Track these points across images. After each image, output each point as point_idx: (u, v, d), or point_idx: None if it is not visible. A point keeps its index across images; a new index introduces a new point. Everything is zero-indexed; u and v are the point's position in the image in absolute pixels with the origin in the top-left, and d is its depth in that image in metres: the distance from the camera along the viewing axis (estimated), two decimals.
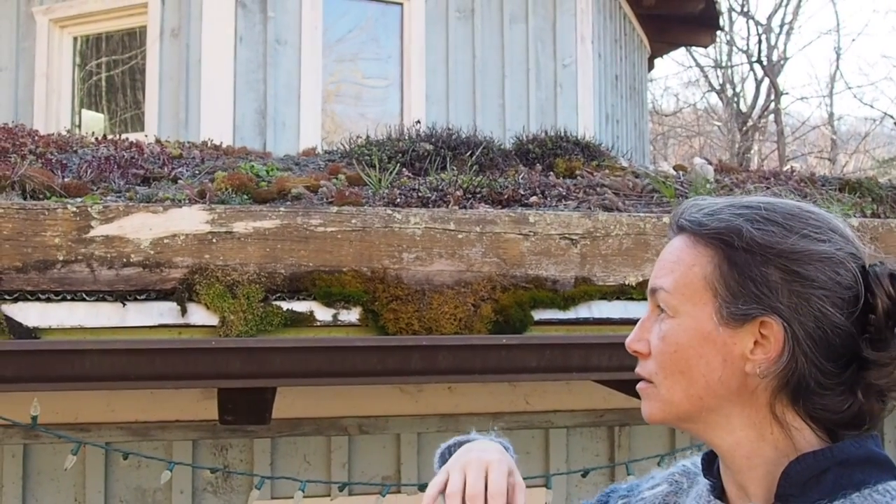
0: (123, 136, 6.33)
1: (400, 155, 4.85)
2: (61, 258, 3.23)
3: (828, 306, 1.33)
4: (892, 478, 1.34)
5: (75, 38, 8.28)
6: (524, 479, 3.44)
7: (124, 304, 3.27)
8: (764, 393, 1.36)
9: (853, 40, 50.60)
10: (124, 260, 3.27)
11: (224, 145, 6.05)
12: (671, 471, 1.67)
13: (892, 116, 25.75)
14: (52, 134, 5.57)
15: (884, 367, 1.33)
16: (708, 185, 4.42)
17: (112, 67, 8.21)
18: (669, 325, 1.40)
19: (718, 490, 1.48)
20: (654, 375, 1.42)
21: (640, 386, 1.45)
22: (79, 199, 3.49)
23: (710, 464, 1.51)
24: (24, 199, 3.56)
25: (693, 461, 1.65)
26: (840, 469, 1.33)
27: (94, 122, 8.17)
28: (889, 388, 1.35)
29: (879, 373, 1.33)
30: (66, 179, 3.86)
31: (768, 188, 4.72)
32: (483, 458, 1.68)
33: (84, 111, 8.30)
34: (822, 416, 1.37)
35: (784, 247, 1.34)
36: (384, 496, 3.34)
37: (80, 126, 8.02)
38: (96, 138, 5.51)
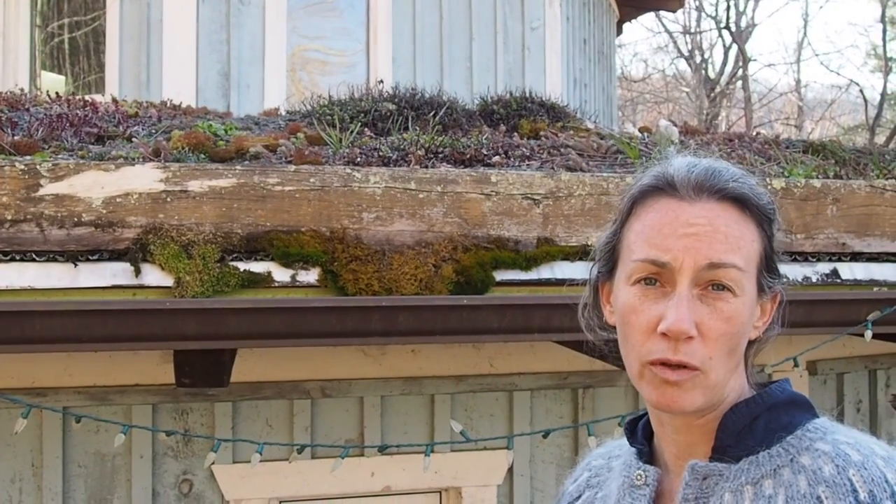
0: (83, 97, 6.21)
1: (362, 115, 4.78)
2: (9, 217, 3.16)
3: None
4: (813, 416, 1.40)
5: None
6: (487, 439, 3.44)
7: (76, 265, 3.21)
8: (742, 355, 1.42)
9: (821, 7, 50.87)
10: (75, 219, 3.20)
11: (185, 106, 5.95)
12: (586, 461, 1.69)
13: (857, 84, 25.90)
14: (4, 92, 5.44)
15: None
16: (672, 147, 4.38)
17: (74, 29, 8.06)
18: (735, 304, 1.34)
19: (647, 455, 1.49)
20: (707, 362, 1.33)
21: (683, 376, 1.32)
22: (28, 157, 3.40)
23: (633, 431, 1.52)
24: None
25: (603, 448, 1.67)
26: (769, 414, 1.38)
27: (55, 83, 8.03)
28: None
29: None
30: (15, 137, 3.77)
31: (733, 150, 4.69)
32: None
33: (45, 73, 8.15)
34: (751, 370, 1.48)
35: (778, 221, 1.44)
36: (343, 458, 3.30)
37: (39, 88, 7.88)
38: (49, 97, 5.40)
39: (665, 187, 1.38)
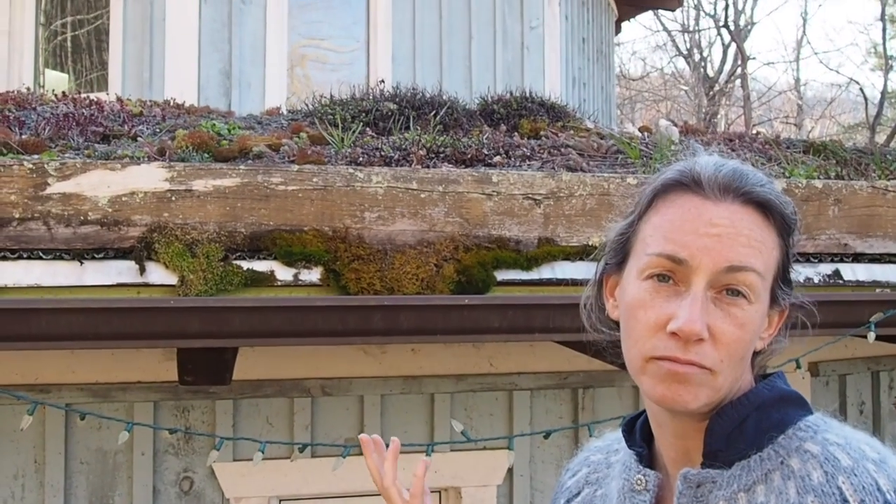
0: (88, 96, 6.23)
1: (363, 114, 4.81)
2: (17, 216, 3.18)
3: None
4: (807, 412, 1.36)
5: None
6: (488, 439, 3.45)
7: (82, 263, 3.23)
8: (748, 364, 1.39)
9: (820, 6, 50.93)
10: (82, 218, 3.22)
11: (188, 105, 5.97)
12: (584, 455, 1.65)
13: (857, 82, 25.90)
14: (11, 91, 5.46)
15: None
16: (672, 147, 4.41)
17: (77, 27, 8.07)
18: (750, 311, 1.30)
19: (647, 458, 1.46)
20: (718, 364, 1.29)
21: (692, 370, 1.28)
22: (35, 156, 3.43)
23: (631, 433, 1.49)
24: None
25: (601, 442, 1.64)
26: (758, 413, 1.34)
27: (59, 82, 8.04)
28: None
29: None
30: (23, 136, 3.79)
31: (733, 150, 4.71)
32: None
33: (48, 71, 8.17)
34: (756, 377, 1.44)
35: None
36: (344, 458, 3.32)
37: (43, 86, 7.89)
38: (56, 95, 5.42)
39: (690, 184, 1.33)
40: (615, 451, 1.56)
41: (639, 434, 1.47)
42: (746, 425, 1.33)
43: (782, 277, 1.37)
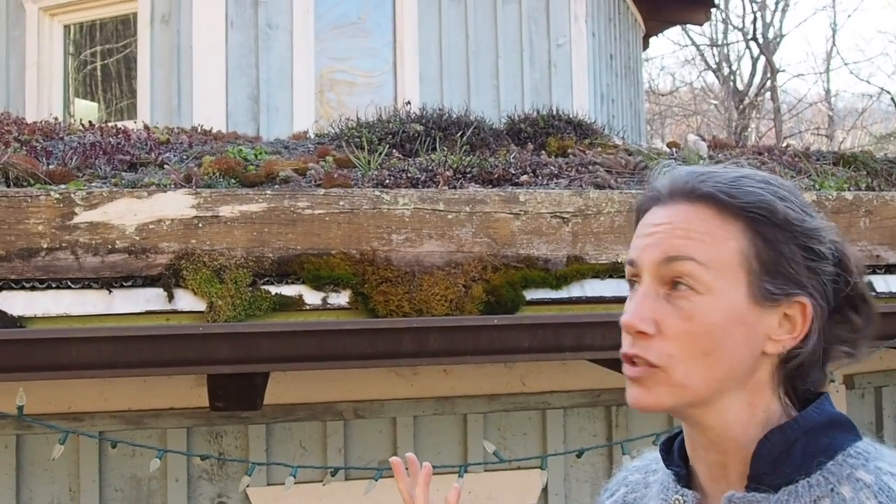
0: (116, 124, 6.28)
1: (390, 136, 4.81)
2: (45, 245, 3.20)
3: (829, 282, 1.34)
4: (856, 437, 1.34)
5: (66, 27, 8.22)
6: (520, 459, 3.43)
7: (110, 291, 3.24)
8: (767, 373, 1.35)
9: (849, 16, 50.63)
10: (109, 246, 3.24)
11: (216, 131, 6.01)
12: (622, 474, 1.64)
13: (888, 92, 25.73)
14: (38, 122, 5.52)
15: (846, 340, 1.37)
16: (701, 162, 4.38)
17: (106, 56, 8.16)
18: (699, 302, 1.30)
19: (685, 478, 1.44)
20: (664, 359, 1.30)
21: (636, 371, 1.33)
22: (62, 186, 3.45)
23: (669, 452, 1.47)
24: (8, 186, 3.52)
25: (640, 461, 1.63)
26: (807, 438, 1.31)
27: (88, 111, 8.13)
28: (851, 357, 1.38)
29: (851, 347, 1.37)
30: (50, 166, 3.82)
31: (763, 164, 4.68)
32: None
33: (78, 100, 8.26)
34: (804, 390, 1.37)
35: (805, 223, 1.34)
36: (377, 481, 3.31)
37: (73, 116, 7.97)
38: (83, 125, 5.46)
39: (655, 197, 1.40)
40: (654, 472, 1.55)
41: (677, 453, 1.46)
42: (794, 450, 1.30)
43: (766, 270, 1.32)
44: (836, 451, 1.30)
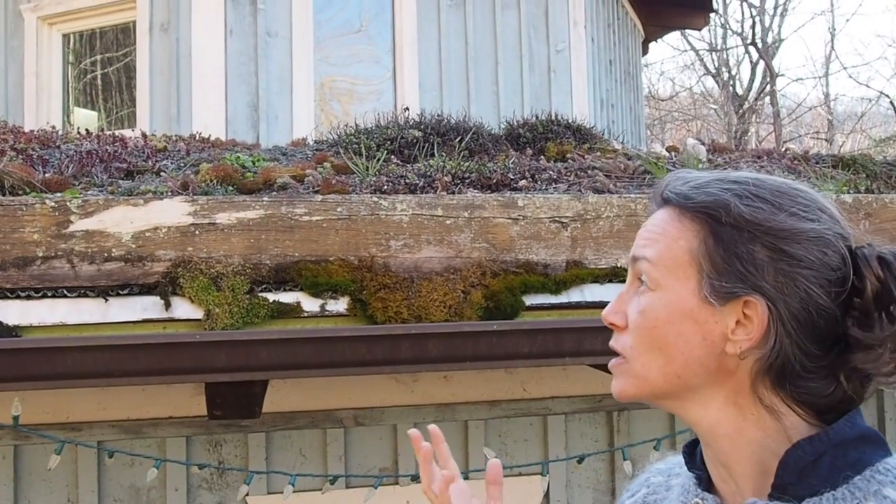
0: (114, 132, 6.26)
1: (388, 142, 4.79)
2: (41, 254, 3.18)
3: (814, 287, 1.29)
4: (885, 453, 1.31)
5: (65, 36, 8.21)
6: (522, 465, 3.40)
7: (106, 300, 3.22)
8: (745, 374, 1.32)
9: (847, 20, 50.46)
10: (105, 254, 3.22)
11: (215, 139, 5.98)
12: (644, 476, 1.64)
13: (887, 95, 25.69)
14: (34, 130, 5.50)
15: (870, 349, 1.29)
16: (700, 165, 4.36)
17: (106, 65, 8.15)
18: (649, 298, 1.35)
19: (705, 482, 1.43)
20: (628, 350, 1.37)
21: (612, 363, 1.40)
22: (58, 194, 3.43)
23: (692, 455, 1.46)
24: (3, 195, 3.50)
25: (663, 464, 1.62)
26: (835, 451, 1.29)
27: (89, 120, 8.11)
28: (874, 371, 1.30)
29: (866, 356, 1.29)
30: (46, 175, 3.80)
31: (761, 167, 4.66)
32: None
33: (77, 109, 8.24)
34: (807, 401, 1.33)
35: (772, 224, 1.30)
36: (376, 489, 3.29)
37: (72, 125, 7.96)
38: (80, 133, 5.45)
39: (652, 201, 1.46)
40: (676, 475, 1.54)
41: (699, 457, 1.44)
42: (822, 462, 1.28)
43: (717, 269, 1.31)
44: (864, 466, 1.28)
